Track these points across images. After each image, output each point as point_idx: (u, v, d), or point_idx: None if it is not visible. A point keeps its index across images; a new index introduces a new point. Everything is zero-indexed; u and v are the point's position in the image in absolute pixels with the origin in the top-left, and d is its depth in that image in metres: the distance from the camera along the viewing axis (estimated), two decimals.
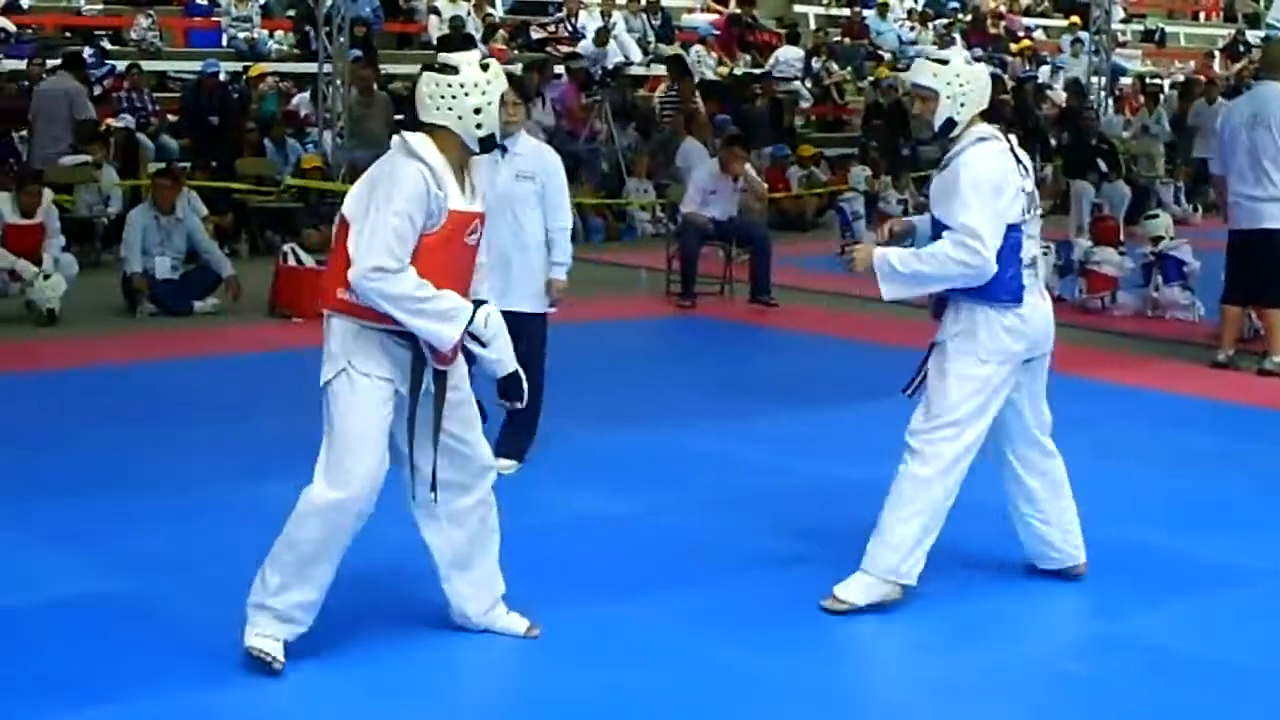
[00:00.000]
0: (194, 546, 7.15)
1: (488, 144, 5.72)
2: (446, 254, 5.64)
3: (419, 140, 5.61)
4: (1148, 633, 6.34)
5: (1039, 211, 6.60)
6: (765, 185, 16.68)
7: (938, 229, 6.38)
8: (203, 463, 8.59)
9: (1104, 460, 8.91)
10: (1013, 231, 6.30)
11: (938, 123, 6.39)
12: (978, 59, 26.30)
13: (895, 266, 6.35)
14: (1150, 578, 6.98)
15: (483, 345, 5.77)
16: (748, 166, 15.15)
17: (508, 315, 7.81)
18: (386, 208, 5.47)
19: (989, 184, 6.26)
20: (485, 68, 5.66)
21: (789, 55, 25.96)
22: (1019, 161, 6.43)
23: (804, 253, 17.52)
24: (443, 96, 5.61)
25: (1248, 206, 11.37)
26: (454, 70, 5.61)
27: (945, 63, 6.44)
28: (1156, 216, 14.90)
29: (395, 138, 5.69)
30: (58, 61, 18.79)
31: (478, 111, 5.61)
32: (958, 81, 6.36)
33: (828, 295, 14.88)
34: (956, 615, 6.47)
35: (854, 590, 6.41)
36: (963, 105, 6.36)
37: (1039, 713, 5.65)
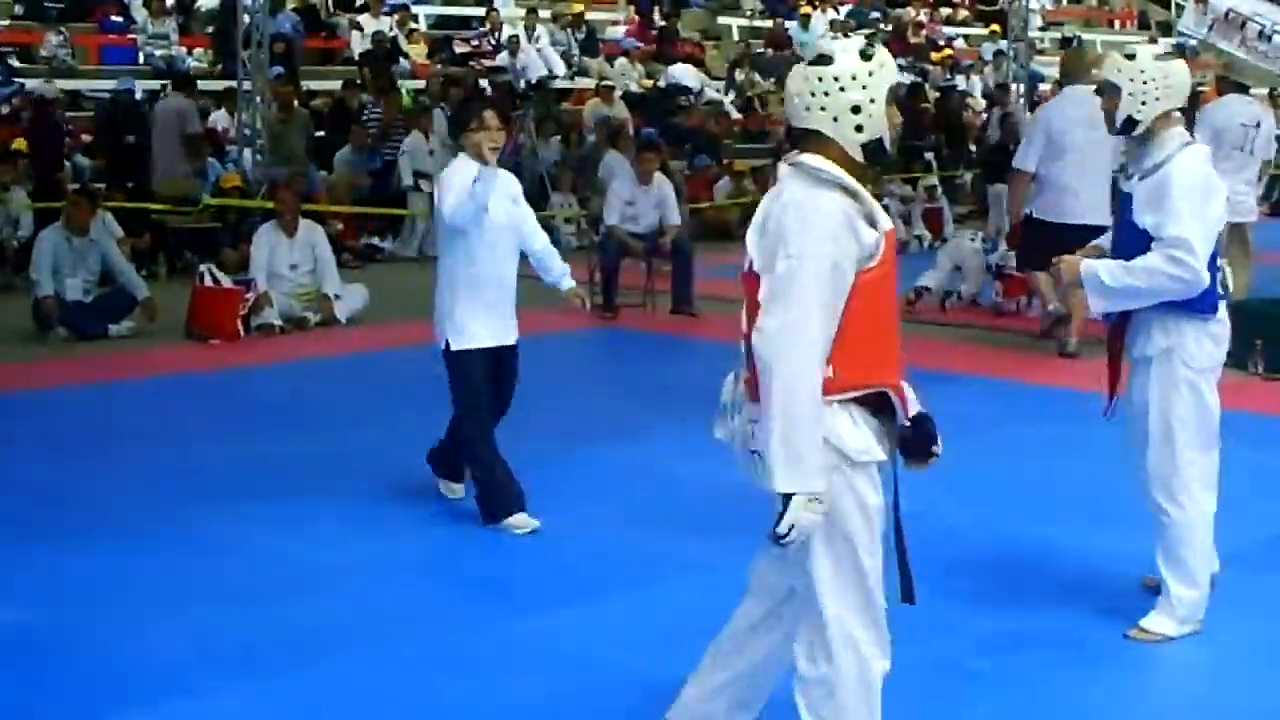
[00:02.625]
0: (114, 572, 7.07)
1: (873, 152, 4.50)
2: (886, 291, 4.53)
3: (815, 159, 4.46)
4: (1060, 626, 6.39)
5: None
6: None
7: (1136, 237, 6.17)
8: (123, 489, 8.49)
9: (1008, 459, 9.00)
10: (1216, 241, 6.19)
11: (1119, 120, 6.24)
12: (899, 68, 26.24)
13: (1105, 280, 6.13)
14: (1059, 573, 7.05)
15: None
16: (661, 178, 15.13)
17: (515, 349, 7.88)
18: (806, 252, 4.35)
19: (1199, 192, 6.08)
20: (867, 57, 4.49)
21: (680, 73, 25.83)
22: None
23: (729, 263, 17.53)
24: (813, 94, 4.44)
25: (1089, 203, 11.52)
26: (828, 60, 4.46)
27: (1131, 58, 6.28)
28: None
29: (783, 165, 4.53)
30: None
31: (856, 111, 4.44)
32: (1141, 78, 6.17)
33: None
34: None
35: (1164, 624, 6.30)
36: (1144, 103, 6.17)
37: (949, 711, 5.69)
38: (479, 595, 6.89)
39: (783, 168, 4.52)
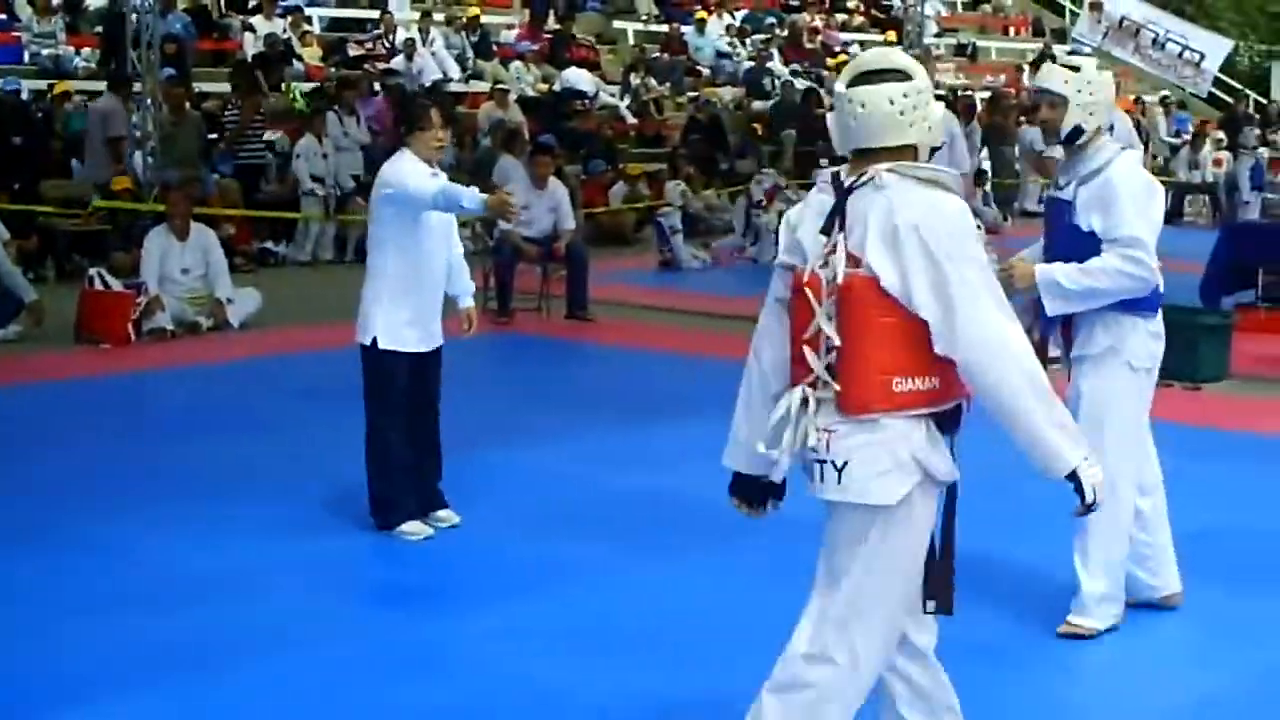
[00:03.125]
0: (8, 583, 6.97)
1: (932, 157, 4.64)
2: None
3: (926, 169, 4.51)
4: (968, 631, 6.41)
5: None
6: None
7: (1080, 240, 6.24)
8: (10, 497, 8.34)
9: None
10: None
11: (1065, 130, 6.32)
12: (794, 73, 26.47)
13: (1063, 284, 6.20)
14: (969, 580, 7.03)
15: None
16: (555, 182, 15.11)
17: (440, 352, 7.86)
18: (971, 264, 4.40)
19: (1143, 194, 6.24)
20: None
21: (575, 77, 25.82)
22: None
23: (624, 268, 17.58)
24: (915, 107, 4.45)
25: None
26: (907, 76, 4.47)
27: (1077, 69, 6.37)
28: (978, 227, 15.12)
29: (888, 173, 4.40)
30: None
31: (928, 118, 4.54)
32: (1089, 89, 6.29)
33: (645, 309, 14.97)
34: (759, 622, 6.45)
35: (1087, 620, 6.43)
36: (1091, 113, 6.29)
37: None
38: (378, 601, 6.90)
39: (885, 177, 4.39)
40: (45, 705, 5.66)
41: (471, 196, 7.47)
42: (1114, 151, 6.31)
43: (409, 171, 7.53)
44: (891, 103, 4.42)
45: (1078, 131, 6.30)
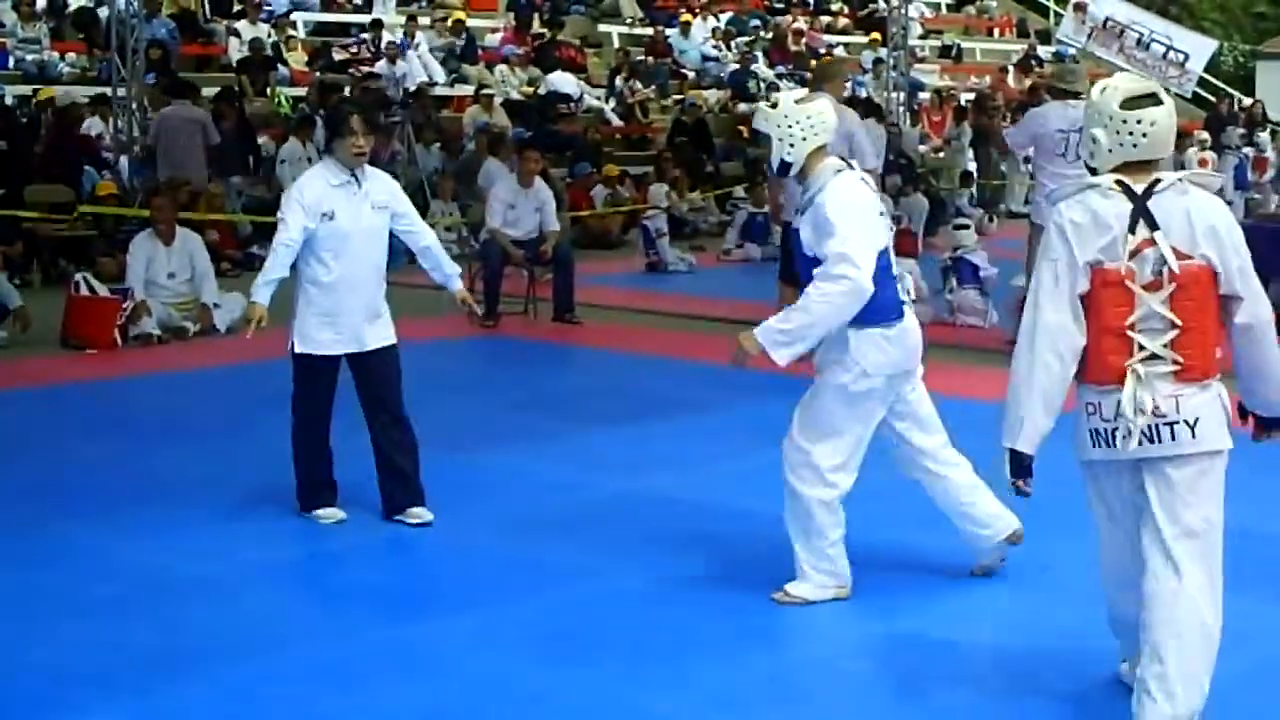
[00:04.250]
0: None
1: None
2: None
3: (1199, 175, 5.47)
4: (933, 628, 6.45)
5: (892, 233, 6.79)
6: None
7: (809, 266, 6.48)
8: None
9: (893, 466, 9.06)
10: (883, 255, 6.47)
11: (775, 164, 6.61)
12: (780, 76, 26.44)
13: (779, 328, 6.39)
14: (935, 576, 7.10)
15: None
16: (540, 182, 15.09)
17: (384, 352, 7.89)
18: None
19: (852, 209, 6.43)
20: None
21: (560, 81, 25.85)
22: (870, 187, 6.65)
23: (609, 271, 17.59)
24: (1170, 126, 5.38)
25: None
26: (1163, 100, 5.32)
27: (774, 105, 6.63)
28: (966, 227, 15.15)
29: (1183, 181, 5.26)
30: None
31: None
32: (786, 123, 6.52)
33: (631, 312, 14.98)
34: (733, 626, 6.53)
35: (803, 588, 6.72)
36: (792, 146, 6.52)
37: (824, 713, 5.73)
38: (357, 604, 6.85)
39: (1185, 184, 5.27)
40: (22, 710, 5.66)
41: (258, 289, 7.85)
42: (828, 177, 6.52)
43: (292, 209, 7.77)
44: (1166, 121, 5.29)
45: (784, 165, 6.60)
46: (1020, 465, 5.35)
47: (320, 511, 7.94)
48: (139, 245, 13.58)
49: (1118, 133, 5.24)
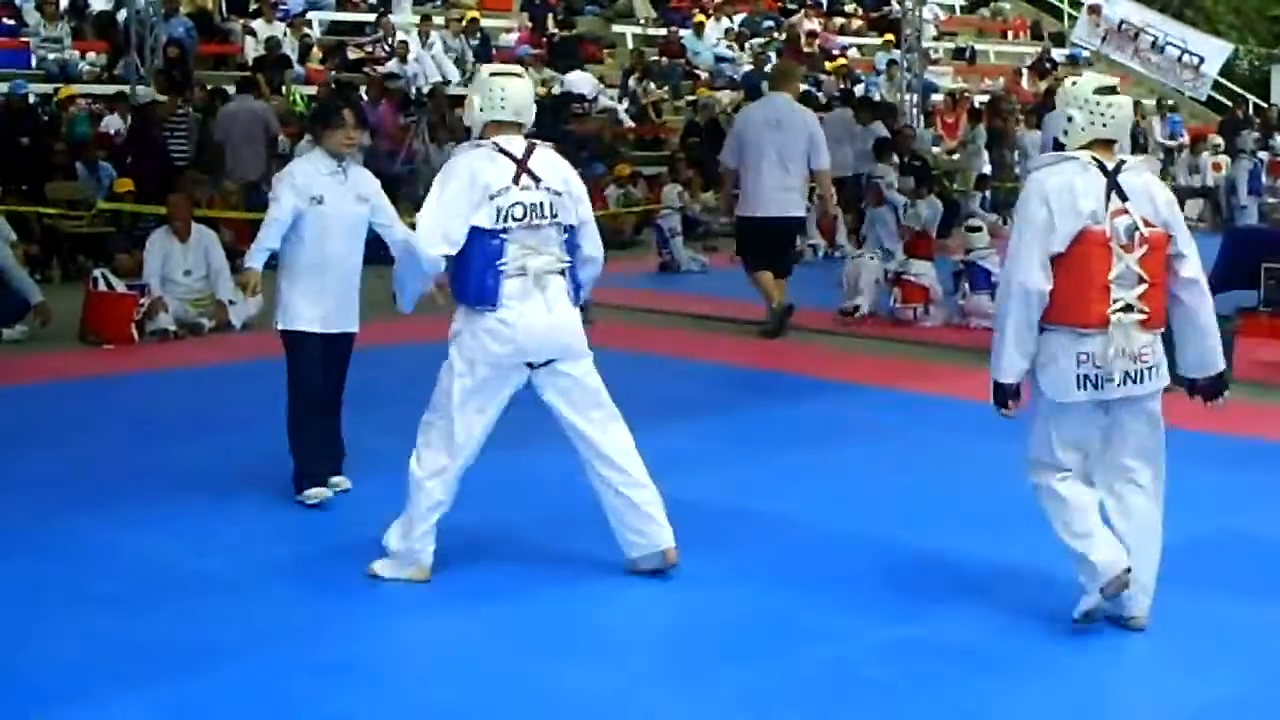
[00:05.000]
0: (4, 580, 7.02)
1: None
2: None
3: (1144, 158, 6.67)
4: (952, 633, 6.49)
5: (546, 223, 6.83)
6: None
7: None
8: (12, 494, 8.41)
9: (904, 468, 9.12)
10: (490, 238, 6.70)
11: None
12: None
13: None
14: (950, 580, 7.13)
15: None
16: None
17: (345, 337, 8.21)
18: None
19: (443, 178, 6.79)
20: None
21: (578, 80, 25.97)
22: (530, 173, 6.75)
23: (622, 270, 17.63)
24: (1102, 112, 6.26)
25: (777, 197, 13.43)
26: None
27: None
28: (979, 229, 15.19)
29: (1140, 161, 6.47)
30: None
31: None
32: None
33: (644, 312, 15.02)
34: (752, 626, 6.58)
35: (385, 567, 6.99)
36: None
37: (843, 717, 5.73)
38: (370, 599, 6.86)
39: (1142, 164, 6.40)
40: (37, 702, 5.71)
41: (253, 255, 8.32)
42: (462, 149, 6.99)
43: (285, 189, 8.15)
44: (1128, 109, 6.37)
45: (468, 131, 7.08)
46: (1003, 394, 6.32)
47: (309, 492, 8.12)
48: (155, 242, 13.67)
49: (1091, 113, 6.25)
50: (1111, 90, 6.31)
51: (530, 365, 6.93)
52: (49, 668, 6.01)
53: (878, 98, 26.98)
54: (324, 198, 8.10)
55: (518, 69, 7.31)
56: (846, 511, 8.15)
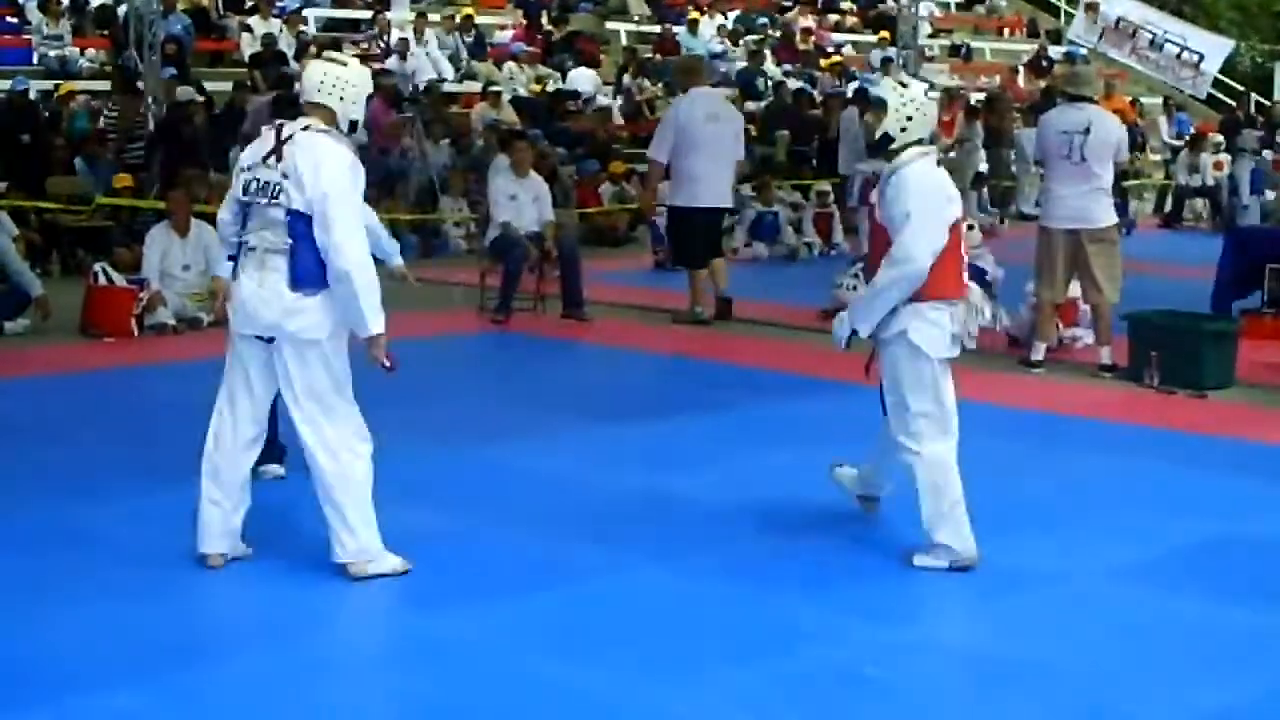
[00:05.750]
0: (3, 572, 7.06)
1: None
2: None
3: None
4: (953, 635, 6.53)
5: (265, 201, 6.83)
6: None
7: None
8: (13, 485, 8.47)
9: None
10: (244, 208, 6.91)
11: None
12: (787, 74, 26.43)
13: None
14: (954, 582, 7.17)
15: None
16: (535, 174, 15.17)
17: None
18: None
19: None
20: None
21: (579, 77, 26.00)
22: (274, 151, 6.82)
23: (616, 268, 17.68)
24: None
25: (718, 188, 14.33)
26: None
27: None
28: (971, 227, 15.20)
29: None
30: None
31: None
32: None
33: (640, 309, 15.06)
34: (752, 626, 6.61)
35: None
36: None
37: (843, 718, 5.75)
38: (373, 595, 6.88)
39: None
40: (44, 690, 5.74)
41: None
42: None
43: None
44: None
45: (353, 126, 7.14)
46: (851, 340, 7.37)
47: (265, 468, 8.16)
48: (155, 237, 13.71)
49: (925, 115, 7.25)
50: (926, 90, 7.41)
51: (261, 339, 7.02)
52: (49, 657, 6.05)
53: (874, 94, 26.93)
54: None
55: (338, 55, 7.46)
56: (845, 511, 8.19)
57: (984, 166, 24.23)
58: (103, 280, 13.50)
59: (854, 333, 7.33)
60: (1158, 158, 29.56)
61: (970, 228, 14.95)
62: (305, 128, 6.83)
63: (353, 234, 6.69)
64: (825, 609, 6.78)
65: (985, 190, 23.52)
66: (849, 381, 11.49)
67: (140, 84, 19.11)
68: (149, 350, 12.70)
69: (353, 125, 7.03)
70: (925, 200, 7.07)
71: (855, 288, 14.58)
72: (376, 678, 5.97)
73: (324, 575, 6.98)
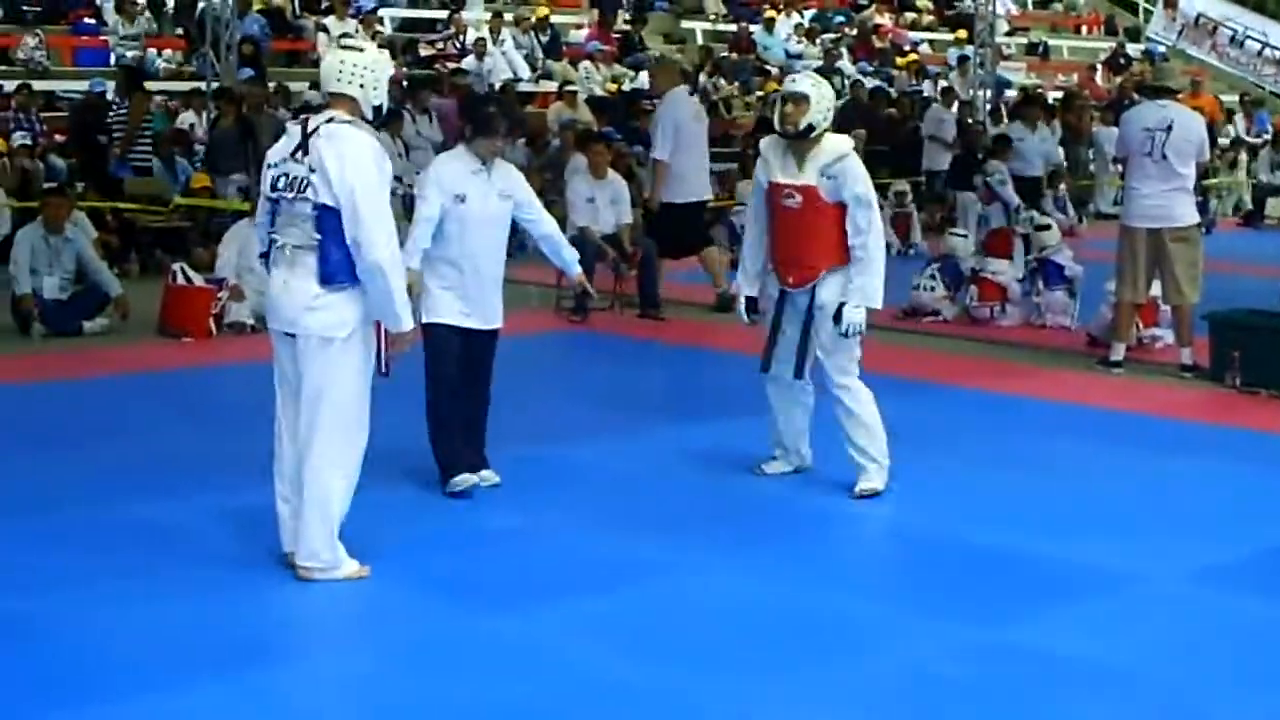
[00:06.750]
0: (83, 566, 7.12)
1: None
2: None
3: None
4: (1032, 637, 6.47)
5: (293, 196, 6.79)
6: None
7: None
8: (95, 483, 8.54)
9: (985, 468, 9.09)
10: (273, 205, 6.89)
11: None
12: (864, 73, 26.42)
13: None
14: (1031, 583, 7.12)
15: None
16: (615, 174, 15.17)
17: (487, 334, 8.37)
18: None
19: None
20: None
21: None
22: (301, 146, 6.76)
23: (693, 267, 17.62)
24: None
25: (706, 180, 15.46)
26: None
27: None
28: (1049, 227, 15.11)
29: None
30: None
31: None
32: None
33: (717, 309, 15.02)
34: (828, 625, 6.58)
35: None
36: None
37: (918, 717, 5.72)
38: (442, 593, 6.90)
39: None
40: (116, 690, 5.76)
41: (410, 258, 7.95)
42: None
43: (431, 187, 8.26)
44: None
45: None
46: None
47: (455, 479, 8.26)
48: (234, 234, 13.79)
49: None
50: None
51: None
52: (128, 654, 6.08)
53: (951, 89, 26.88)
54: (467, 196, 8.19)
55: (354, 41, 7.52)
56: (921, 511, 8.14)
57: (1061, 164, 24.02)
58: (181, 280, 13.57)
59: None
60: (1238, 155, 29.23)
61: (1047, 227, 14.93)
62: (329, 120, 6.79)
63: (381, 227, 6.68)
64: (902, 608, 6.74)
65: (1063, 189, 23.29)
66: (929, 381, 11.54)
67: (145, 83, 19.27)
68: (227, 349, 12.76)
69: (377, 111, 6.97)
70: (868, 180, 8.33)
71: (933, 288, 14.55)
72: (448, 677, 5.94)
73: (398, 575, 7.00)
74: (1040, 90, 28.35)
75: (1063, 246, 14.70)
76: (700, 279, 15.54)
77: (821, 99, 8.33)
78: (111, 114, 18.61)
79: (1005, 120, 24.24)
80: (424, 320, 8.13)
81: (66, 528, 7.69)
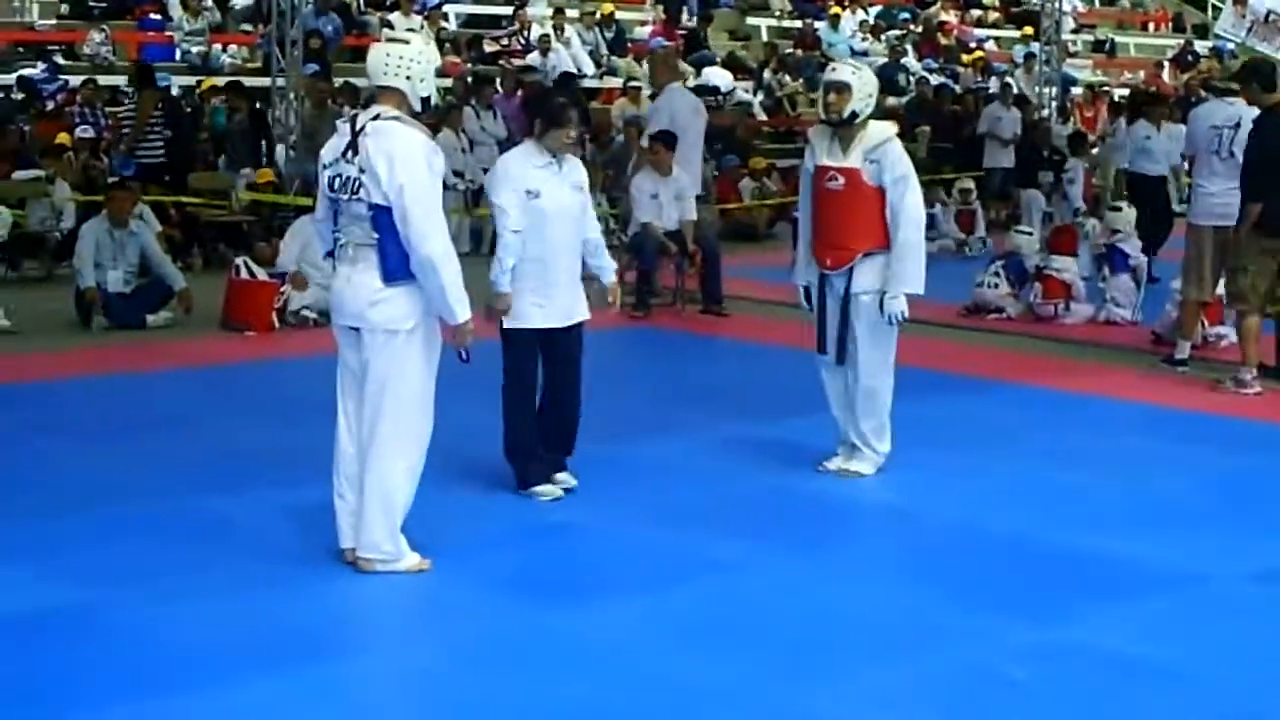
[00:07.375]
0: (144, 559, 7.17)
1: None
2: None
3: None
4: (1095, 637, 6.42)
5: (348, 197, 6.80)
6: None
7: None
8: (157, 476, 8.60)
9: (1048, 466, 9.02)
10: (331, 204, 6.92)
11: None
12: (929, 70, 26.37)
13: None
14: (1095, 582, 7.06)
15: None
16: (678, 170, 15.10)
17: (580, 327, 8.36)
18: None
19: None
20: None
21: (711, 74, 25.90)
22: (351, 145, 6.76)
23: (756, 263, 17.61)
24: None
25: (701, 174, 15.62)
26: None
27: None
28: (1120, 209, 15.00)
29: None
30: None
31: None
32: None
33: (779, 305, 14.97)
34: (892, 624, 6.55)
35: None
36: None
37: (982, 717, 5.68)
38: (509, 589, 6.91)
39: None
40: (178, 682, 5.78)
41: (500, 279, 8.08)
42: None
43: (506, 194, 8.06)
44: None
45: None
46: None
47: (538, 489, 8.19)
48: (298, 228, 13.82)
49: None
50: None
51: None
52: (188, 647, 6.10)
53: (1015, 91, 26.69)
54: (540, 191, 8.05)
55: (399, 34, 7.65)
56: (987, 510, 8.09)
57: (1126, 163, 23.79)
58: (244, 274, 13.64)
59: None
60: None
61: (1118, 209, 14.84)
62: (375, 116, 6.79)
63: (433, 223, 6.69)
64: (966, 607, 6.70)
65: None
66: (993, 379, 11.49)
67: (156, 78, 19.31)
68: (289, 343, 12.82)
69: (424, 103, 6.98)
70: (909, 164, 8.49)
71: (997, 285, 14.45)
72: (510, 673, 5.94)
73: (461, 570, 7.00)
74: (1107, 88, 28.15)
75: (1131, 235, 14.57)
76: (764, 275, 15.52)
77: (863, 86, 8.46)
78: (120, 110, 18.71)
79: (1071, 118, 24.05)
80: (504, 326, 8.10)
81: (128, 520, 7.74)
